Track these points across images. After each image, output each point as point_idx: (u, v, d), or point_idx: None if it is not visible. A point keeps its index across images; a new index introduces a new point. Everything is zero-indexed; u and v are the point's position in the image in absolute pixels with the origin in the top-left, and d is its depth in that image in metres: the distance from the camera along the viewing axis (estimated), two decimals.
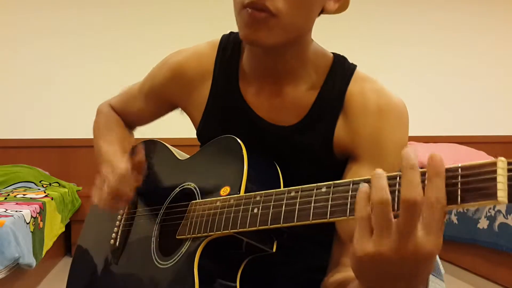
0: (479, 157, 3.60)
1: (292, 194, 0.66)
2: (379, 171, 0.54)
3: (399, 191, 0.53)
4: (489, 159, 0.49)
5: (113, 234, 0.97)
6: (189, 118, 1.00)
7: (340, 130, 0.84)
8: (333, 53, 0.90)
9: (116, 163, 0.90)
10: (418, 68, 4.10)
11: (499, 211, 2.60)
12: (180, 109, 1.01)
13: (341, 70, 0.86)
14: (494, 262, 2.73)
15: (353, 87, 0.84)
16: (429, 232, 0.50)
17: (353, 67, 0.87)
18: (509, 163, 0.47)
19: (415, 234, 0.50)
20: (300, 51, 0.83)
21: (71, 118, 3.78)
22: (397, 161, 0.81)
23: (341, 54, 0.90)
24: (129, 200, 0.89)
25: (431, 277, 0.99)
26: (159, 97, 1.00)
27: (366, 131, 0.82)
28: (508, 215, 2.53)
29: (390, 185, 0.53)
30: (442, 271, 1.12)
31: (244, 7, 0.74)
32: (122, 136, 1.05)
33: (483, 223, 2.71)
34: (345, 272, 0.75)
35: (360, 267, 0.55)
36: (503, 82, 4.25)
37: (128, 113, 1.08)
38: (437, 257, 1.18)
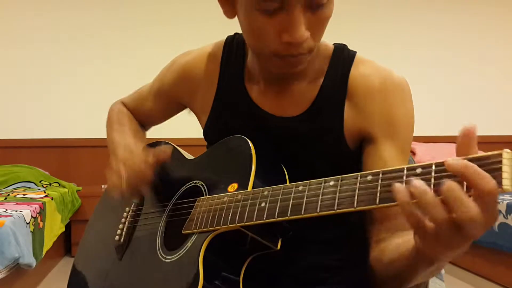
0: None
1: (300, 188, 0.66)
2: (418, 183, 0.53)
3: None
4: None
5: (118, 230, 0.97)
6: (195, 118, 1.01)
7: (349, 116, 0.85)
8: (334, 43, 0.91)
9: (134, 151, 0.90)
10: (417, 68, 4.09)
11: (499, 211, 2.60)
12: (188, 109, 1.03)
13: (342, 57, 0.88)
14: (494, 262, 2.73)
15: (355, 71, 0.86)
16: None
17: (353, 53, 0.89)
18: None
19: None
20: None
21: (71, 118, 3.77)
22: (409, 133, 0.85)
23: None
24: (143, 195, 0.90)
25: None
26: (168, 97, 1.03)
27: (376, 110, 0.83)
28: (508, 215, 2.53)
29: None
30: (442, 271, 1.12)
31: (277, 56, 0.77)
32: (135, 129, 1.06)
33: None
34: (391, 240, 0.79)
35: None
36: (503, 82, 4.25)
37: (139, 113, 1.10)
38: None
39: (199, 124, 1.00)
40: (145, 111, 1.09)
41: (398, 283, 0.77)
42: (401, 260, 0.71)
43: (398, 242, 0.75)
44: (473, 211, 0.49)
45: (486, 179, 0.49)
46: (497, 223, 2.60)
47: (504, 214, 2.56)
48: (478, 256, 2.86)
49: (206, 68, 0.95)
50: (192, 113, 1.02)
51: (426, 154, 3.51)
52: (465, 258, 2.98)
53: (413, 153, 3.50)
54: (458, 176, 0.50)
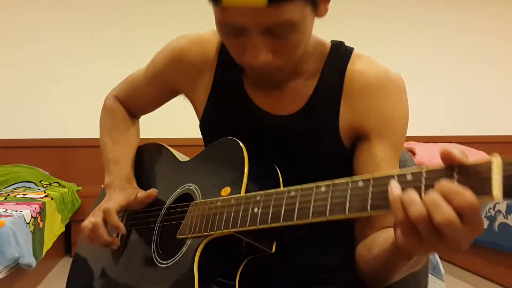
0: (479, 157, 3.59)
1: (292, 193, 0.66)
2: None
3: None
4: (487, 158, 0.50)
5: (114, 234, 0.96)
6: (189, 117, 1.00)
7: (345, 114, 0.84)
8: (332, 40, 0.90)
9: (111, 197, 0.93)
10: (418, 68, 4.09)
11: (499, 211, 2.60)
12: (183, 95, 1.00)
13: (338, 54, 0.87)
14: (494, 262, 2.73)
15: (351, 68, 0.85)
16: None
17: (350, 50, 0.88)
18: (504, 163, 0.49)
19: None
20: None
21: (71, 118, 3.77)
22: (403, 130, 0.85)
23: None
24: (105, 243, 0.91)
25: (431, 277, 0.99)
26: (162, 82, 1.00)
27: (372, 107, 0.83)
28: (508, 215, 2.53)
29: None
30: (442, 271, 1.12)
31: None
32: (128, 132, 1.06)
33: None
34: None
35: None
36: (503, 82, 4.25)
37: (133, 102, 1.07)
38: (437, 257, 1.18)
39: (196, 124, 0.98)
40: (139, 99, 1.06)
41: (379, 277, 0.78)
42: (382, 254, 0.72)
43: (379, 240, 0.77)
44: (448, 214, 0.50)
45: (460, 196, 0.50)
46: (497, 223, 2.60)
47: (504, 214, 2.56)
48: (478, 256, 2.85)
49: (203, 54, 0.93)
50: (186, 99, 0.99)
51: (426, 154, 3.51)
52: (465, 258, 2.98)
53: (413, 153, 3.50)
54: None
